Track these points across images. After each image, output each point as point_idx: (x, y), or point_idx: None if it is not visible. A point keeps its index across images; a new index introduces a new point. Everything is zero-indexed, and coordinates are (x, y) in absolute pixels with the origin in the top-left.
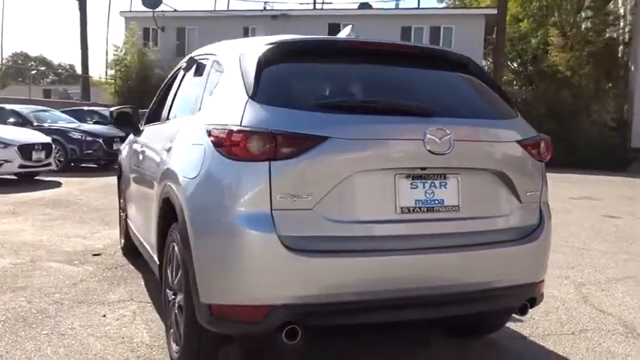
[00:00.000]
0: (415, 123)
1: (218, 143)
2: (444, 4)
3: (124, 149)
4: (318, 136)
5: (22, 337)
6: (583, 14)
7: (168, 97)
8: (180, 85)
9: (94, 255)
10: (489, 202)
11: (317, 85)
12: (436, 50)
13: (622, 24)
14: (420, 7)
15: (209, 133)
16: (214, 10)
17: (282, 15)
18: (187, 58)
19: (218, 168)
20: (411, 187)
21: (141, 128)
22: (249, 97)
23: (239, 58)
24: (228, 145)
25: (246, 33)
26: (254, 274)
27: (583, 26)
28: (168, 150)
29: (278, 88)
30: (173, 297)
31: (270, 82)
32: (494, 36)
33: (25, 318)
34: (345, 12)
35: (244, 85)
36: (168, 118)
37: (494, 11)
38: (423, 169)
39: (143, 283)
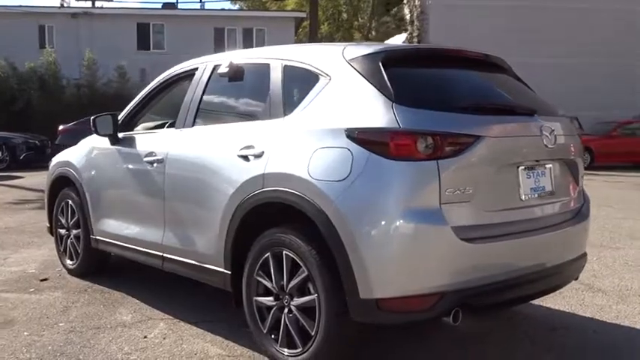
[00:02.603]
0: (533, 121)
1: (372, 145)
2: (237, 7)
3: (85, 160)
4: (473, 135)
5: None
6: (381, 19)
7: (186, 104)
8: (206, 91)
9: (42, 280)
10: (565, 187)
11: (437, 88)
12: (492, 56)
13: (410, 29)
14: (231, 9)
15: (354, 136)
16: (3, 6)
17: (84, 13)
18: (212, 63)
19: (377, 169)
20: (527, 177)
21: (120, 136)
22: (393, 101)
23: (348, 63)
24: (393, 146)
25: (42, 32)
26: (430, 265)
27: (381, 30)
28: (259, 155)
29: (415, 92)
30: (275, 302)
31: (404, 86)
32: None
33: (62, 352)
34: (155, 12)
35: (378, 89)
36: (193, 124)
37: (303, 14)
38: (537, 161)
39: (137, 300)
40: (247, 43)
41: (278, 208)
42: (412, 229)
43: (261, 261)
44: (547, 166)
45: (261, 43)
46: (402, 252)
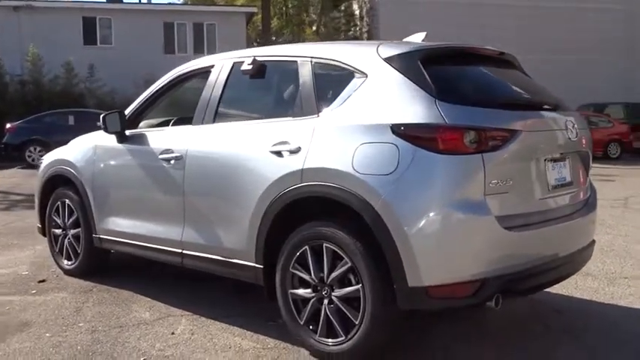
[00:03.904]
0: (559, 115)
1: (419, 140)
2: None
3: (86, 158)
4: (513, 130)
5: None
6: (331, 14)
7: (204, 100)
8: (226, 87)
9: (40, 282)
10: (579, 178)
11: (472, 84)
12: (507, 54)
13: (360, 24)
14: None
15: (400, 131)
16: None
17: (26, 6)
18: (231, 60)
19: (425, 163)
20: (552, 169)
21: (127, 134)
22: (436, 98)
23: (385, 62)
24: (441, 141)
25: None
26: (475, 253)
27: (331, 25)
28: (295, 151)
29: (454, 89)
30: (313, 293)
31: (443, 83)
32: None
33: (94, 351)
34: (101, 5)
35: (420, 86)
36: (214, 121)
37: (254, 9)
38: (562, 153)
39: (148, 298)
40: (198, 38)
41: (317, 203)
42: (460, 220)
43: (297, 254)
44: (567, 157)
45: (212, 39)
46: (450, 241)
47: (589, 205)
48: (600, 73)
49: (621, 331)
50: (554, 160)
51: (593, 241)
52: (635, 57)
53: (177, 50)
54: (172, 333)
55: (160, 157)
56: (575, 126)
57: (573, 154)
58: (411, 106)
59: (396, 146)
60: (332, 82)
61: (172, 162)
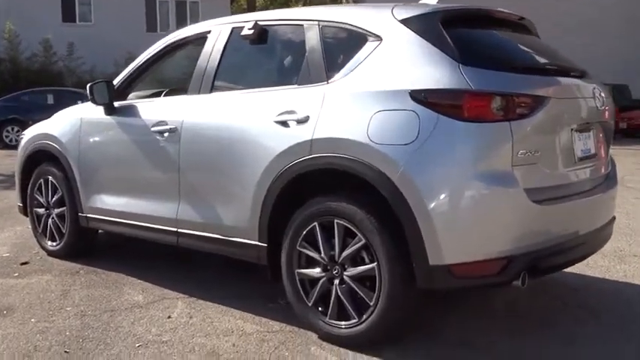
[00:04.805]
0: (586, 83)
1: (442, 107)
2: None
3: (71, 132)
4: (542, 96)
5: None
6: None
7: (200, 69)
8: (224, 54)
9: (23, 264)
10: (602, 151)
11: (496, 48)
12: (526, 19)
13: (346, 3)
14: None
15: (421, 98)
16: None
17: None
18: (230, 25)
19: (448, 131)
20: (578, 140)
21: (116, 105)
22: (460, 62)
23: (402, 24)
24: (466, 107)
25: None
26: (502, 228)
27: (317, 3)
28: (303, 120)
29: (478, 53)
30: (323, 273)
31: (467, 47)
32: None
33: (84, 337)
34: None
35: (442, 49)
36: (211, 90)
37: None
38: (588, 123)
39: (140, 280)
40: (180, 16)
41: (327, 176)
42: (486, 192)
43: (305, 231)
44: (592, 128)
45: (195, 17)
46: (475, 216)
47: (610, 179)
48: (590, 54)
49: (636, 310)
50: (580, 131)
51: (614, 218)
52: (628, 39)
53: (159, 28)
54: (169, 317)
55: (153, 129)
56: (602, 94)
57: (597, 124)
58: (432, 70)
59: (416, 114)
60: (342, 46)
61: (166, 135)
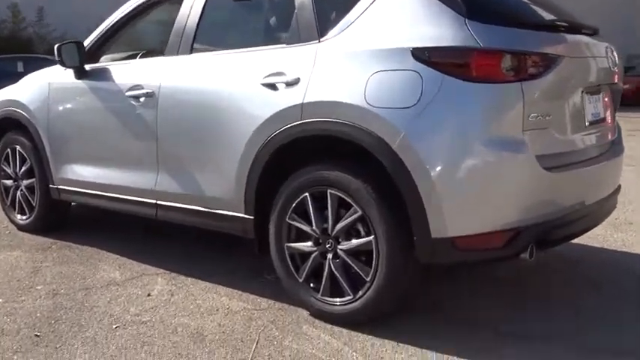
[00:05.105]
0: (598, 42)
1: (447, 66)
2: None
3: (40, 98)
4: (556, 55)
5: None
6: None
7: (178, 28)
8: (205, 12)
9: None
10: (609, 115)
11: (502, 3)
12: None
13: None
14: None
15: (424, 57)
16: None
17: None
18: None
19: (454, 93)
20: (589, 102)
21: (87, 68)
22: (466, 17)
23: None
24: (475, 67)
25: None
26: (511, 197)
27: None
28: (293, 82)
29: (485, 7)
30: (315, 247)
31: (472, 0)
32: None
33: (57, 318)
34: None
35: (446, 3)
36: (191, 51)
37: None
38: (598, 85)
39: (116, 255)
40: None
41: (319, 143)
42: (494, 159)
43: (295, 203)
44: (602, 90)
45: None
46: (483, 184)
47: (616, 146)
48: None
49: (637, 280)
50: (591, 93)
51: (619, 187)
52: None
53: None
54: (148, 295)
55: (128, 94)
56: (614, 54)
57: (606, 86)
58: (436, 26)
59: (419, 74)
60: (335, 1)
61: (142, 100)
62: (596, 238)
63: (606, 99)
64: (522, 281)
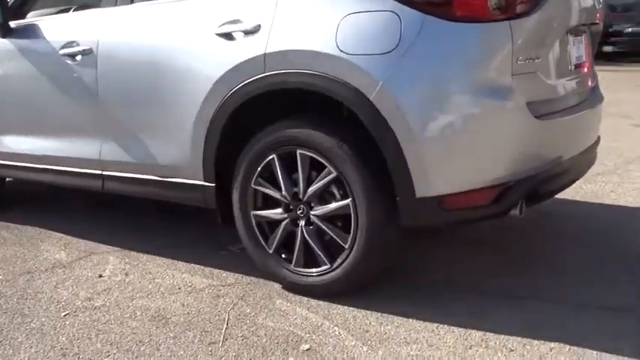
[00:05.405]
0: None
1: (428, 5)
2: None
3: None
4: None
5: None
6: None
7: None
8: None
9: None
10: (590, 59)
11: None
12: None
13: None
14: None
15: None
16: None
17: None
18: None
19: (436, 35)
20: (573, 44)
21: (12, 25)
22: None
23: None
24: (458, 4)
25: None
26: (501, 149)
27: None
28: (253, 30)
29: None
30: (285, 213)
31: None
32: None
33: None
34: None
35: None
36: (132, 1)
37: None
38: (583, 24)
39: (60, 234)
40: None
41: (286, 98)
42: (483, 108)
43: (261, 166)
44: (585, 31)
45: None
46: (471, 136)
47: (596, 94)
48: None
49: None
50: (575, 34)
51: (599, 139)
52: None
53: None
54: (100, 276)
55: (62, 52)
56: None
57: (588, 27)
58: None
59: (397, 15)
60: None
61: (79, 58)
62: (567, 189)
63: (587, 41)
64: (500, 241)
